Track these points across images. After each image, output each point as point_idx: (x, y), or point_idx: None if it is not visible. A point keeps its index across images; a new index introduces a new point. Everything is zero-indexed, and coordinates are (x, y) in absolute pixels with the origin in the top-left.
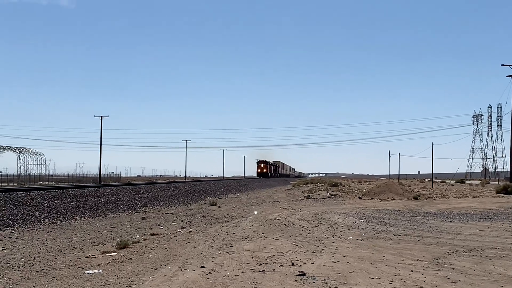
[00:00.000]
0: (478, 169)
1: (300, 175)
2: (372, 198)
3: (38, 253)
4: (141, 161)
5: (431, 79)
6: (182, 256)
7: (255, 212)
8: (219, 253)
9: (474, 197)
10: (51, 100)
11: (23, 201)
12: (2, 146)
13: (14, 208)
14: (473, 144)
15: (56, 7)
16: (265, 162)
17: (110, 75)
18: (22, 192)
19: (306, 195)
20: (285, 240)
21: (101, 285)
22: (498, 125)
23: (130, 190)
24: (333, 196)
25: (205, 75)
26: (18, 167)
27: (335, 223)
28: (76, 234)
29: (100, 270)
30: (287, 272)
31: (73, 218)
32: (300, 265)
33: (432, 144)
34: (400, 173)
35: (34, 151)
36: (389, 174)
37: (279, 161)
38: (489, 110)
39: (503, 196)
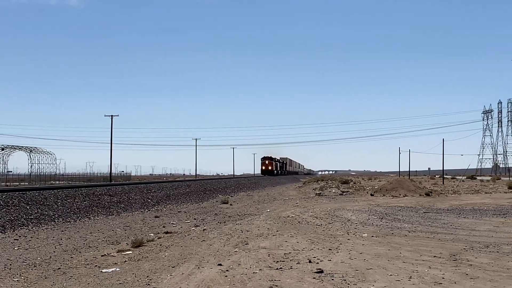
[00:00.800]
0: (488, 165)
1: (310, 173)
2: (384, 195)
3: (54, 252)
4: (151, 160)
5: (440, 75)
6: (198, 254)
7: (268, 210)
8: (235, 251)
9: (486, 193)
10: (61, 99)
11: (37, 201)
12: (13, 145)
13: (28, 207)
14: (483, 140)
15: (65, 7)
16: (270, 159)
17: (120, 74)
18: (35, 192)
19: (318, 192)
20: (300, 238)
21: (120, 283)
22: (508, 121)
23: (142, 189)
24: (344, 193)
25: (215, 74)
26: (29, 167)
27: (349, 220)
28: (91, 233)
29: (118, 269)
30: (304, 270)
31: (86, 217)
32: (317, 263)
33: (443, 140)
34: (410, 170)
35: (45, 150)
36: (399, 171)
37: (286, 158)
38: (499, 106)
39: None
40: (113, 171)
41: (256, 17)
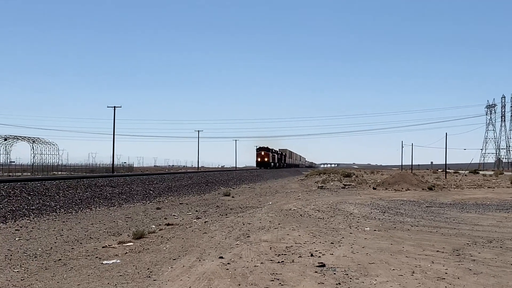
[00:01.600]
0: (491, 159)
1: (311, 165)
2: (386, 189)
3: (55, 243)
4: (153, 151)
5: (444, 69)
6: (199, 246)
7: (270, 203)
8: (237, 244)
9: (489, 187)
10: (64, 90)
11: (38, 191)
12: (16, 136)
13: (29, 198)
14: (486, 134)
15: None
16: (266, 149)
17: (123, 65)
18: (37, 182)
19: (320, 185)
20: (302, 231)
21: (120, 275)
22: (511, 115)
23: (144, 180)
24: (347, 187)
25: (217, 65)
26: (32, 157)
27: (351, 213)
28: (92, 224)
29: (118, 260)
30: (306, 263)
31: (88, 208)
32: (319, 256)
33: (446, 135)
34: (413, 164)
35: (47, 141)
36: (402, 165)
37: (286, 149)
38: (503, 100)
39: None
40: (115, 162)
41: (257, 9)
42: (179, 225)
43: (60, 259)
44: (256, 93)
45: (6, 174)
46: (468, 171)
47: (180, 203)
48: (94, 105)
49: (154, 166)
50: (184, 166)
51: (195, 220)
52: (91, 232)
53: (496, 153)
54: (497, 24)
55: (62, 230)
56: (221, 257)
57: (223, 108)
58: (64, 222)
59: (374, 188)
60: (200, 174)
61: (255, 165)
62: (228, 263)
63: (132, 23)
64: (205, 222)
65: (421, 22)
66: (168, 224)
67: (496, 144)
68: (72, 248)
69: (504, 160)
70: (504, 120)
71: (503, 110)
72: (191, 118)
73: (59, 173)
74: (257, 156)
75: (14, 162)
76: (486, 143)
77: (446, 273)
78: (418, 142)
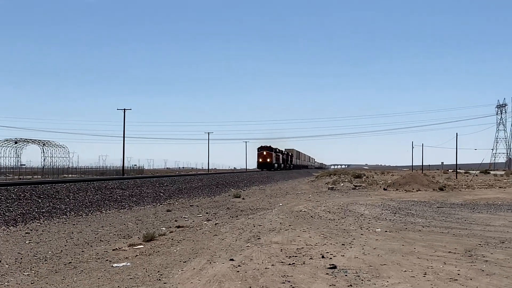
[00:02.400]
0: (502, 159)
1: (321, 166)
2: (397, 189)
3: (65, 246)
4: (163, 153)
5: (455, 69)
6: (210, 249)
7: (280, 204)
8: (247, 246)
9: (500, 187)
10: (75, 93)
11: (49, 194)
12: (26, 139)
13: (39, 201)
14: (497, 134)
15: (78, 0)
16: (268, 149)
17: (133, 68)
18: (48, 185)
19: (330, 186)
20: (312, 232)
21: (130, 278)
22: None
23: (154, 183)
24: (357, 188)
25: (227, 67)
26: (42, 160)
27: (362, 214)
28: (102, 226)
29: (128, 263)
30: (317, 265)
31: (98, 210)
32: (331, 258)
33: (456, 135)
34: (423, 164)
35: (58, 144)
36: (412, 165)
37: (293, 149)
38: None
39: None
40: (125, 164)
41: (267, 9)
42: (190, 227)
43: (70, 262)
44: (266, 95)
45: (17, 177)
46: (479, 171)
47: (191, 205)
48: (104, 108)
49: (166, 168)
50: (193, 168)
51: (205, 222)
52: (101, 234)
53: (507, 153)
54: (508, 22)
55: (72, 233)
56: (231, 260)
57: (233, 110)
58: (74, 225)
59: (384, 189)
60: (210, 176)
61: (256, 167)
62: (239, 266)
63: (142, 26)
64: (215, 224)
65: (432, 20)
66: (178, 227)
67: (507, 143)
68: (82, 251)
69: None
70: None
71: None
72: (201, 120)
73: (70, 175)
74: (258, 156)
75: (24, 165)
76: (497, 143)
77: (458, 274)
78: (428, 142)
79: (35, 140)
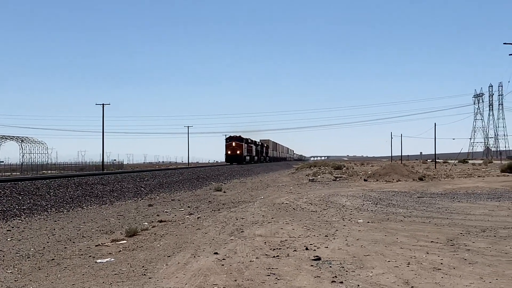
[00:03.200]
0: (480, 148)
1: (301, 158)
2: (377, 180)
3: (47, 242)
4: (143, 148)
5: (432, 60)
6: (193, 242)
7: (262, 197)
8: (231, 239)
9: (479, 176)
10: (52, 88)
11: (29, 191)
12: (4, 135)
13: (20, 198)
14: (474, 124)
15: None
16: (238, 139)
17: (110, 62)
18: (28, 182)
19: (311, 178)
20: (295, 224)
21: (115, 274)
22: (499, 104)
23: (135, 177)
24: (338, 179)
25: (205, 59)
26: (21, 157)
27: (343, 206)
28: (84, 222)
29: (112, 259)
30: (302, 257)
31: (79, 206)
32: (315, 250)
33: (435, 125)
34: (402, 154)
35: (36, 140)
36: (391, 156)
37: (268, 140)
38: (490, 89)
39: (507, 175)
40: (105, 159)
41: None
42: (172, 221)
43: (53, 259)
44: (245, 87)
45: None
46: (457, 161)
47: (172, 200)
48: (82, 103)
49: (148, 163)
50: (174, 162)
51: (187, 216)
52: (84, 230)
53: (484, 142)
54: (484, 14)
55: (54, 229)
56: (216, 253)
57: (212, 103)
58: (55, 221)
59: (365, 180)
60: (191, 170)
61: (225, 160)
62: (223, 259)
63: (119, 19)
64: (198, 218)
65: (407, 11)
66: (160, 221)
67: (485, 133)
68: (65, 248)
69: (492, 149)
70: (492, 109)
71: (490, 99)
72: (181, 114)
73: (49, 172)
74: (227, 148)
75: (3, 162)
76: (475, 132)
77: (441, 263)
78: (407, 133)
79: (13, 136)
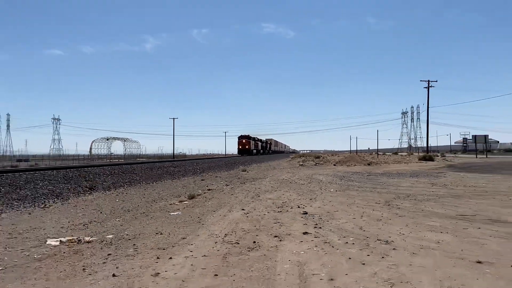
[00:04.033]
0: (405, 145)
1: (294, 151)
2: (342, 165)
3: (140, 202)
4: (198, 144)
5: (375, 88)
6: (229, 203)
7: (271, 175)
8: (252, 201)
9: (404, 163)
10: (144, 106)
11: (128, 171)
12: (114, 137)
13: (123, 175)
14: (402, 130)
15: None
16: (247, 138)
17: (183, 87)
18: (128, 165)
19: (301, 164)
20: (292, 192)
21: (181, 221)
22: (417, 118)
23: (193, 163)
24: (317, 164)
25: (234, 90)
26: (123, 150)
27: (321, 181)
28: (162, 190)
29: (179, 212)
30: (295, 212)
31: (159, 180)
32: (303, 208)
33: (377, 131)
34: (357, 149)
35: (133, 140)
36: (350, 150)
37: (271, 139)
38: (412, 109)
39: (422, 162)
40: (175, 152)
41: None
42: (216, 190)
43: (143, 212)
44: (256, 104)
45: (108, 161)
46: (391, 153)
47: (216, 176)
48: (160, 116)
49: (202, 154)
50: (217, 153)
51: (225, 187)
52: (162, 195)
53: (408, 141)
54: (411, 53)
55: (144, 194)
56: (243, 209)
57: (240, 118)
58: (145, 189)
59: (334, 165)
60: (227, 159)
61: (237, 152)
62: (248, 213)
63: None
64: (231, 188)
65: (352, 52)
66: (209, 190)
67: (408, 136)
68: (151, 205)
69: (413, 146)
70: (413, 121)
71: (412, 115)
72: (220, 123)
73: (140, 159)
74: (239, 144)
75: (113, 153)
76: (402, 135)
77: (382, 216)
78: (360, 135)
79: (119, 138)
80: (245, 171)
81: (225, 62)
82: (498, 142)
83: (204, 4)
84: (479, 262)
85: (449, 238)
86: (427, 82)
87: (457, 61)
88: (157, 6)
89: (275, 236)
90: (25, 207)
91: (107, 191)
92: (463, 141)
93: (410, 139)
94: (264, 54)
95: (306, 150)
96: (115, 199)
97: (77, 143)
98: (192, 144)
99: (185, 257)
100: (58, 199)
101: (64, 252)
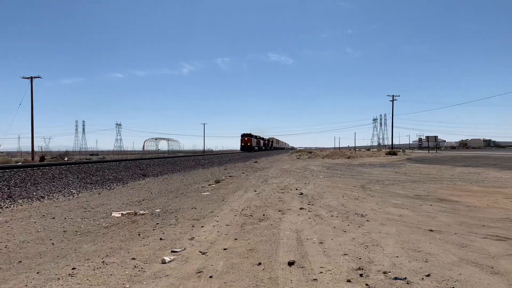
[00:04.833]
0: (376, 143)
1: (292, 148)
2: (328, 158)
3: (179, 185)
4: (220, 142)
5: (352, 100)
6: (244, 186)
7: (276, 165)
8: (262, 184)
9: (375, 157)
10: (179, 112)
11: (171, 162)
12: (160, 137)
13: (167, 165)
14: (373, 132)
15: None
16: (249, 135)
17: (216, 99)
18: (171, 158)
19: (297, 157)
20: (291, 178)
21: (210, 199)
22: (385, 123)
23: (218, 157)
24: (310, 158)
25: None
26: (168, 147)
27: (313, 170)
28: (196, 176)
29: (209, 193)
30: (294, 193)
31: (193, 169)
32: (300, 190)
33: (355, 133)
34: (340, 146)
35: (174, 139)
36: (334, 147)
37: (273, 137)
38: (381, 116)
39: (388, 156)
40: (205, 148)
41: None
42: (235, 176)
43: (182, 193)
44: (263, 108)
45: (156, 155)
46: (365, 149)
47: (235, 166)
48: (192, 121)
49: (224, 150)
50: (236, 150)
51: (242, 174)
52: (196, 180)
53: (378, 141)
54: (377, 72)
55: (182, 180)
56: (255, 191)
57: (250, 121)
58: (183, 176)
59: (322, 158)
60: (243, 154)
61: (240, 149)
62: (259, 194)
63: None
64: (246, 175)
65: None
66: (230, 176)
67: (378, 136)
68: (187, 188)
69: (381, 144)
70: (382, 126)
71: (381, 121)
72: (238, 126)
73: (180, 153)
74: (241, 141)
75: (159, 150)
76: (373, 136)
77: (358, 196)
78: (343, 136)
79: (164, 138)
80: (256, 162)
81: (241, 82)
82: (445, 141)
83: (226, 40)
84: (431, 230)
85: (408, 213)
86: (392, 96)
87: (414, 80)
88: (191, 41)
89: (279, 211)
90: (96, 188)
91: (155, 177)
92: (419, 140)
93: (379, 139)
94: (270, 76)
95: (302, 147)
96: (161, 183)
97: (133, 142)
98: (217, 142)
99: (213, 225)
100: (120, 183)
101: (124, 222)
